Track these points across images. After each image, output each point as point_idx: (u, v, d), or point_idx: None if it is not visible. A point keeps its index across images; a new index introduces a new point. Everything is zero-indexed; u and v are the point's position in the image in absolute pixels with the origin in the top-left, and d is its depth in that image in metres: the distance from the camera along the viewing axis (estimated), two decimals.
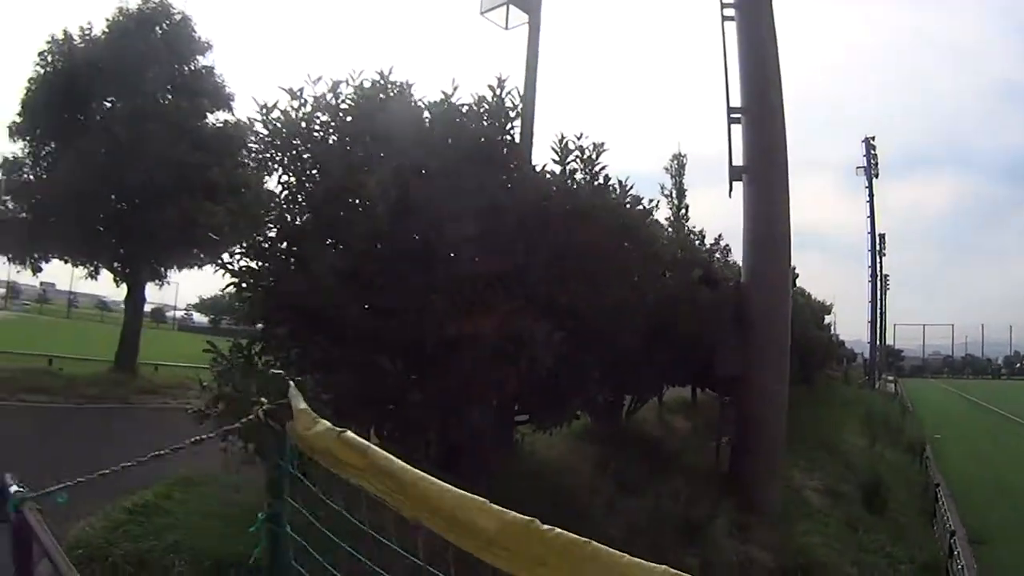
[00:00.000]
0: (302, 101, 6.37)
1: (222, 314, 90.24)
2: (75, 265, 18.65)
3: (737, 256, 13.35)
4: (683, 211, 25.03)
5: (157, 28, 17.52)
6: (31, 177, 17.02)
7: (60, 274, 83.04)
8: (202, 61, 18.34)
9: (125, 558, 5.00)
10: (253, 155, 6.96)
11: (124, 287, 18.68)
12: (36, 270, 18.18)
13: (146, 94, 16.47)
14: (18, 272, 18.78)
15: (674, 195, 25.62)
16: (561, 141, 7.29)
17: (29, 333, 41.31)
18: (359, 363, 5.80)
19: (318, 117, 6.48)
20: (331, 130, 6.55)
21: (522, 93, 7.43)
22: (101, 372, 18.21)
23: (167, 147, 16.05)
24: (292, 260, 6.39)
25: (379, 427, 6.33)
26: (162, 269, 19.32)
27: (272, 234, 6.59)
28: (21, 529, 2.16)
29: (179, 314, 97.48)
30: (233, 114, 18.39)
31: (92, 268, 18.72)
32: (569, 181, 7.33)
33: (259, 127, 6.38)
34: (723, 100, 12.11)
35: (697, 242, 14.02)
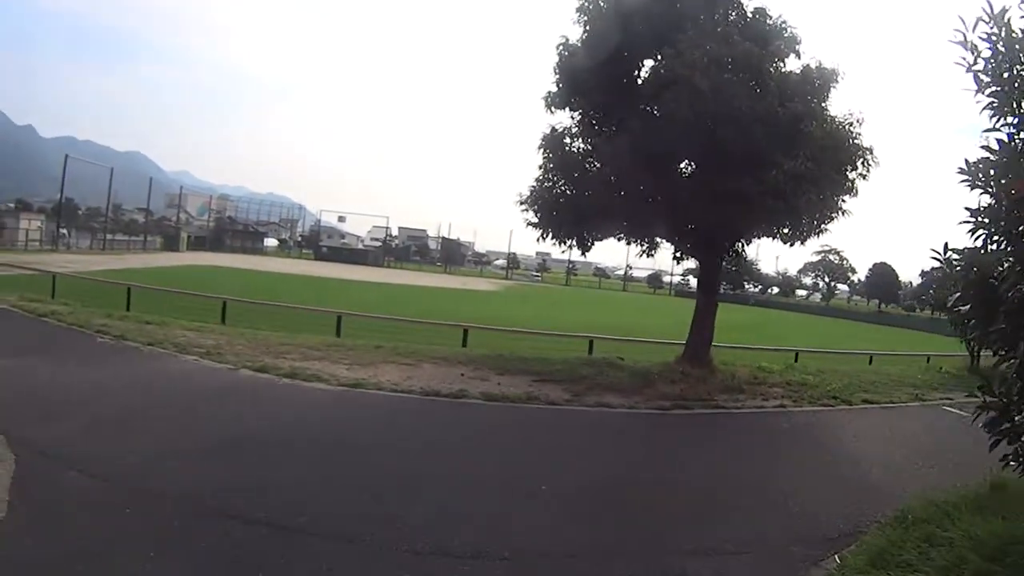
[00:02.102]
0: None
1: (721, 280, 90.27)
2: (628, 242, 16.31)
3: None
4: None
5: None
6: (578, 147, 15.13)
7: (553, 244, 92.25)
8: (752, 3, 14.69)
9: None
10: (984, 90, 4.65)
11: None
12: (585, 249, 16.16)
13: (719, 39, 13.28)
14: (563, 252, 17.23)
15: None
16: None
17: (547, 305, 44.30)
18: None
19: None
20: None
21: None
22: (667, 362, 15.48)
23: (752, 98, 13.08)
24: None
25: None
26: (740, 242, 16.04)
27: None
28: None
29: (676, 279, 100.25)
30: (800, 59, 14.59)
31: (648, 244, 16.28)
32: None
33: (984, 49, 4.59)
34: None
35: None
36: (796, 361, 19.45)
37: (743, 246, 16.31)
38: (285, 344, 14.10)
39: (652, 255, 16.64)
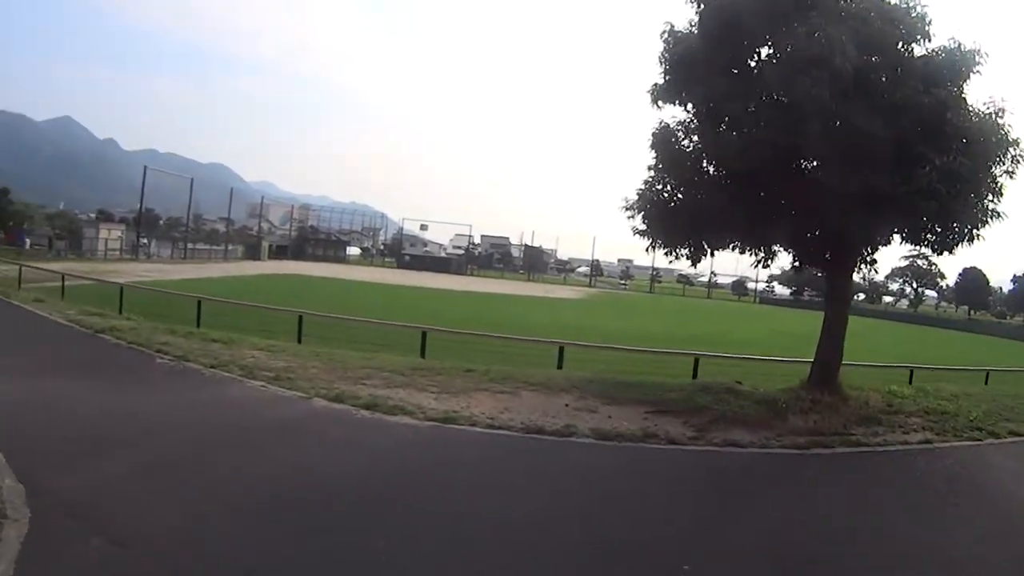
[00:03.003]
0: None
1: (805, 286, 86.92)
2: (742, 252, 14.43)
3: None
4: None
5: None
6: (690, 145, 13.41)
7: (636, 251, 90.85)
8: None
9: None
10: None
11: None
12: (698, 260, 14.20)
13: (853, 16, 11.60)
14: (670, 262, 15.35)
15: None
16: None
17: (637, 314, 42.80)
18: None
19: None
20: None
21: None
22: (792, 387, 13.55)
23: (893, 84, 11.52)
24: None
25: None
26: (869, 248, 13.95)
27: None
28: None
29: (760, 286, 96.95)
30: (930, 41, 12.56)
31: (766, 253, 14.36)
32: None
33: None
34: None
35: None
36: (911, 382, 17.62)
37: (871, 252, 14.23)
38: (364, 367, 12.82)
39: (768, 265, 14.82)
